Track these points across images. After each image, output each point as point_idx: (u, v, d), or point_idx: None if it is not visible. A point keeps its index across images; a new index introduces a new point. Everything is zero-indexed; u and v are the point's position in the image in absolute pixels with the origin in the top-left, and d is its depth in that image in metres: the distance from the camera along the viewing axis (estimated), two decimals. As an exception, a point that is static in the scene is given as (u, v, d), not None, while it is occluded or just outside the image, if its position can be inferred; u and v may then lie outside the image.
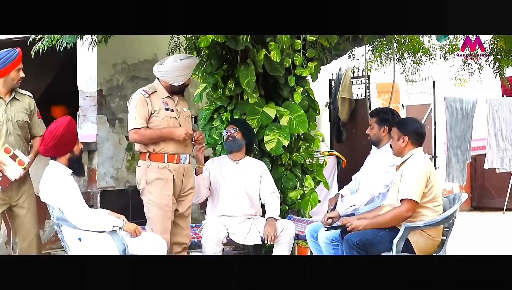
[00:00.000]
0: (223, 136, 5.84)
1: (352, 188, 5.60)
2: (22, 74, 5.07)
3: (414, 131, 4.89)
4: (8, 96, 5.10)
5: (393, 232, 4.71)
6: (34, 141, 5.21)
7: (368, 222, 4.73)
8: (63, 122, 4.92)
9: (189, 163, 5.21)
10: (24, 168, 5.00)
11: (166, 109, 5.11)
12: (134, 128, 5.03)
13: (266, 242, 5.52)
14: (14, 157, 4.96)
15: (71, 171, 4.93)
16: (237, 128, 5.74)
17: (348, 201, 5.31)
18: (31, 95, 5.25)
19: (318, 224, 5.33)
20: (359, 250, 4.67)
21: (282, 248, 5.50)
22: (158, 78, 5.19)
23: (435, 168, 10.93)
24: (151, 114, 5.06)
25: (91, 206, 6.51)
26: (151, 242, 4.98)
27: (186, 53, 6.31)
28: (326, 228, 5.04)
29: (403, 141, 4.87)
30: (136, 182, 5.25)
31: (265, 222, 5.56)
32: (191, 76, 5.43)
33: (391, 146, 5.01)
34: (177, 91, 5.23)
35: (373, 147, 5.61)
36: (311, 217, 6.34)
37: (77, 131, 5.03)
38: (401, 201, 4.67)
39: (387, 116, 5.44)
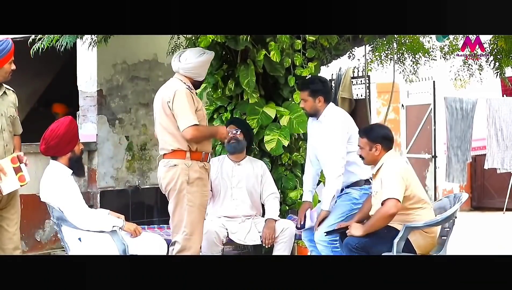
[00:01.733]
0: None
1: (314, 173, 5.44)
2: (13, 67, 4.76)
3: (384, 137, 4.83)
4: None
5: (390, 231, 4.71)
6: (16, 140, 4.86)
7: (364, 230, 4.71)
8: (64, 122, 4.91)
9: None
10: (21, 186, 4.66)
11: None
12: (194, 124, 4.70)
13: (263, 245, 5.52)
14: (17, 170, 4.62)
15: (71, 171, 4.93)
16: (239, 129, 5.71)
17: (325, 195, 5.16)
18: (14, 90, 4.93)
19: (311, 228, 5.25)
20: (360, 252, 4.67)
21: (282, 248, 5.50)
22: (180, 74, 4.92)
23: (435, 167, 10.98)
24: (195, 110, 4.83)
25: (91, 206, 6.51)
26: (151, 242, 4.98)
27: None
28: (325, 233, 5.01)
29: (376, 150, 4.80)
30: (162, 182, 4.87)
31: (264, 223, 5.56)
32: None
33: (361, 157, 4.89)
34: (197, 87, 5.11)
35: (309, 119, 5.42)
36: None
37: (78, 132, 5.02)
38: (382, 203, 4.65)
39: (318, 86, 5.21)
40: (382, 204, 4.65)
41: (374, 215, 4.71)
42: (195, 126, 4.71)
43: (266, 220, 5.57)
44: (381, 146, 4.80)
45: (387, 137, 4.84)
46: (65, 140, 4.87)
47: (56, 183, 4.86)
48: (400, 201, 4.61)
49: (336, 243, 5.00)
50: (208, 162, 4.92)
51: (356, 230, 4.73)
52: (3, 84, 4.79)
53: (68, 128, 4.88)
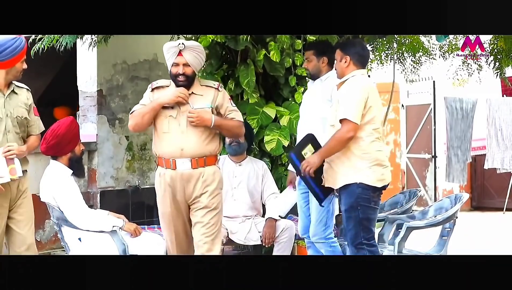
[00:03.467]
0: (227, 140, 5.65)
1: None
2: (25, 66, 4.61)
3: (356, 52, 4.63)
4: (7, 89, 4.61)
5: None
6: (28, 139, 4.71)
7: (319, 155, 4.50)
8: (65, 122, 4.91)
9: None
10: (11, 180, 4.45)
11: None
12: (132, 112, 4.61)
13: (263, 245, 5.52)
14: (9, 162, 4.45)
15: (71, 171, 4.93)
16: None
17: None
18: (28, 88, 4.78)
19: (304, 222, 5.18)
20: (369, 247, 4.47)
21: (282, 248, 5.50)
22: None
23: (435, 167, 10.98)
24: None
25: (90, 206, 6.52)
26: (150, 242, 4.98)
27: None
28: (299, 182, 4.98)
29: (345, 62, 4.60)
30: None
31: (265, 222, 5.56)
32: None
33: (335, 69, 4.75)
34: None
35: (309, 82, 5.34)
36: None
37: (79, 132, 5.01)
38: (340, 121, 4.46)
39: (325, 47, 5.20)
40: (340, 122, 4.47)
41: (331, 138, 4.51)
42: (132, 113, 4.55)
43: (266, 219, 5.56)
44: (350, 59, 4.61)
45: (359, 52, 4.64)
46: (65, 140, 4.87)
47: (56, 183, 4.86)
48: (357, 124, 4.42)
49: (334, 239, 4.99)
50: (174, 169, 4.48)
51: (312, 159, 4.51)
52: (14, 83, 4.66)
53: (69, 128, 4.88)
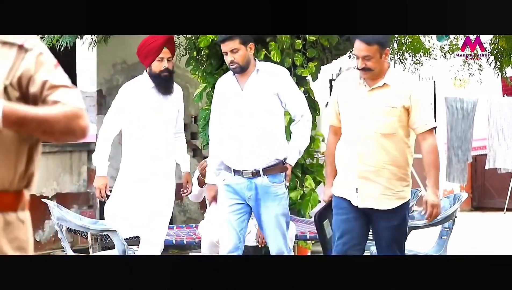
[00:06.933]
0: None
1: None
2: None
3: (386, 40, 4.08)
4: None
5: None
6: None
7: (436, 187, 3.98)
8: (146, 37, 5.10)
9: None
10: None
11: None
12: None
13: (258, 245, 5.47)
14: None
15: (152, 84, 5.04)
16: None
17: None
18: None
19: (234, 241, 4.65)
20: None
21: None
22: None
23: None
24: None
25: (90, 206, 6.52)
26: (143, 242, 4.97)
27: (186, 53, 6.31)
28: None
29: (386, 56, 4.03)
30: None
31: None
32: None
33: (366, 69, 3.98)
34: None
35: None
36: (311, 217, 6.33)
37: (157, 49, 5.04)
38: (424, 131, 3.93)
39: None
40: (421, 135, 3.91)
41: (429, 159, 3.90)
42: None
43: None
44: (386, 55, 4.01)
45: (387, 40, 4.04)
46: (142, 53, 5.08)
47: (132, 88, 5.06)
48: None
49: None
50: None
51: (434, 198, 3.96)
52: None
53: (145, 42, 5.08)
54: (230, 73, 4.61)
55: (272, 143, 4.47)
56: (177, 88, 5.16)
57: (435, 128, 4.00)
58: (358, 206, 4.05)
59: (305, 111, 4.55)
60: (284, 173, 4.50)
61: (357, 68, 4.02)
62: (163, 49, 4.93)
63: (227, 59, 4.46)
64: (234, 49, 4.41)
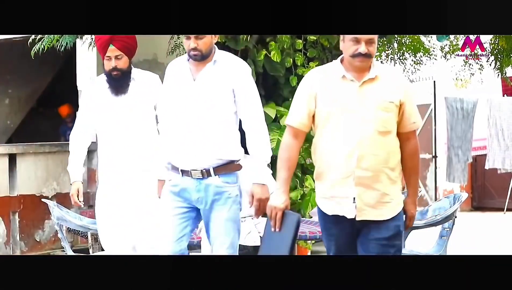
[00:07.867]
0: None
1: None
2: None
3: None
4: None
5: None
6: None
7: (415, 197, 3.64)
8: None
9: None
10: None
11: None
12: None
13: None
14: None
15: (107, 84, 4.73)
16: None
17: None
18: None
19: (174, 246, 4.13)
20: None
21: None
22: None
23: (436, 167, 10.98)
24: None
25: (90, 206, 6.50)
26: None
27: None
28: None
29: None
30: None
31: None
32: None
33: (367, 55, 3.61)
34: None
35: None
36: (311, 217, 6.34)
37: (102, 47, 4.74)
38: (409, 131, 3.61)
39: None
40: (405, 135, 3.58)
41: (413, 162, 3.57)
42: None
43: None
44: None
45: None
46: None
47: (91, 88, 4.85)
48: None
49: None
50: None
51: (412, 208, 3.62)
52: None
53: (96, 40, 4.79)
54: (184, 57, 4.08)
55: (226, 142, 3.98)
56: (145, 85, 4.79)
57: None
58: (356, 219, 3.56)
59: (256, 115, 4.05)
60: (237, 172, 4.07)
61: (360, 54, 3.56)
62: (109, 47, 4.62)
63: (189, 44, 3.95)
64: (200, 35, 3.96)
